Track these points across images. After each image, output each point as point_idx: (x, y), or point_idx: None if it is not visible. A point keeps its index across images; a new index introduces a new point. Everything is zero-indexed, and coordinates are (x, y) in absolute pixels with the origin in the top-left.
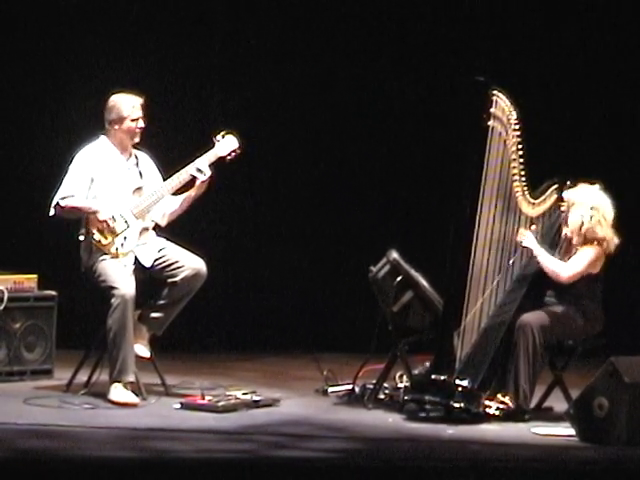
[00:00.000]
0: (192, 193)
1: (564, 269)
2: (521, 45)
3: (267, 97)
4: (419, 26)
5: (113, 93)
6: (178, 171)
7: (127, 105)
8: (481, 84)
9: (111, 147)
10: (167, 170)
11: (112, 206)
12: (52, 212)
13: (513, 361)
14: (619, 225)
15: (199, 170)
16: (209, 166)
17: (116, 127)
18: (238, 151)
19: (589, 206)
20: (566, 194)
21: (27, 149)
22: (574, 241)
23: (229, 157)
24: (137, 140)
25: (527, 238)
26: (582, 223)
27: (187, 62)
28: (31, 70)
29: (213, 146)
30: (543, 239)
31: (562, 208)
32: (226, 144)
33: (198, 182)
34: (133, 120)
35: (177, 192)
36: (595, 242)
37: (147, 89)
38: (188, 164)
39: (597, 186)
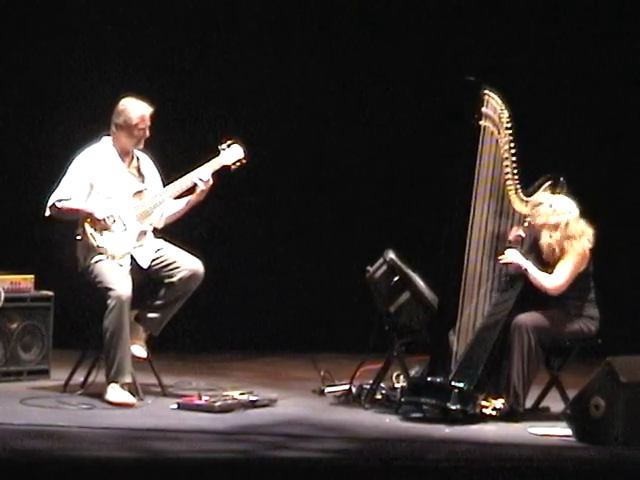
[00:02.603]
0: (193, 199)
1: (549, 282)
2: (513, 44)
3: (265, 95)
4: (410, 27)
5: (124, 96)
6: (181, 177)
7: (136, 114)
8: (472, 84)
9: (113, 150)
10: (170, 175)
11: (110, 207)
12: (47, 213)
13: (507, 361)
14: (619, 225)
15: (201, 178)
16: (212, 174)
17: (121, 132)
18: (243, 161)
19: (553, 224)
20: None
21: (25, 150)
22: (553, 261)
23: (233, 166)
24: (140, 147)
25: (511, 254)
26: (553, 245)
27: (194, 68)
28: (32, 72)
29: (218, 154)
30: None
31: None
32: (231, 153)
33: (199, 189)
34: (140, 129)
35: (178, 197)
36: (573, 249)
37: (153, 93)
38: (191, 170)
39: (547, 193)
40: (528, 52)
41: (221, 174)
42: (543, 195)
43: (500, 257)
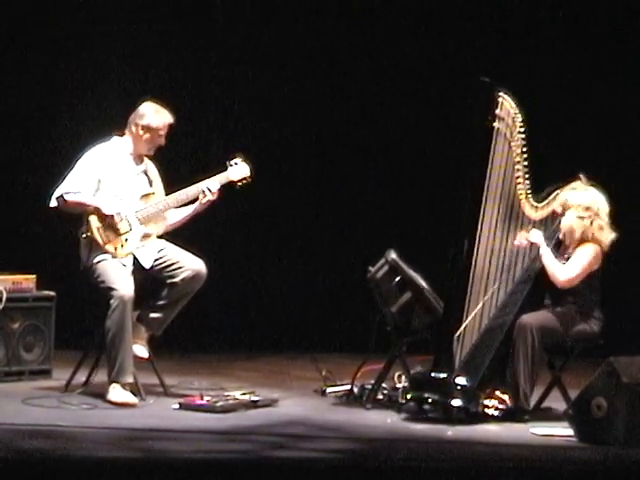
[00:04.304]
0: (197, 207)
1: (562, 273)
2: (528, 46)
3: (271, 92)
4: (424, 26)
5: (146, 100)
6: (187, 187)
7: (160, 120)
8: (487, 85)
9: (124, 150)
10: (174, 187)
11: (117, 205)
12: (54, 204)
13: (512, 361)
14: (619, 225)
15: (209, 190)
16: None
17: (141, 132)
18: (249, 180)
19: (583, 207)
20: (561, 197)
21: (27, 149)
22: (568, 244)
23: (239, 183)
24: (151, 153)
25: (535, 234)
26: (576, 226)
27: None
28: (32, 73)
29: (225, 169)
30: (546, 244)
31: (558, 210)
32: (238, 170)
33: (205, 199)
34: (160, 136)
35: (180, 206)
36: (592, 242)
37: (167, 101)
38: (196, 182)
39: (589, 186)
40: (545, 54)
41: (226, 189)
42: (576, 183)
43: (525, 236)
